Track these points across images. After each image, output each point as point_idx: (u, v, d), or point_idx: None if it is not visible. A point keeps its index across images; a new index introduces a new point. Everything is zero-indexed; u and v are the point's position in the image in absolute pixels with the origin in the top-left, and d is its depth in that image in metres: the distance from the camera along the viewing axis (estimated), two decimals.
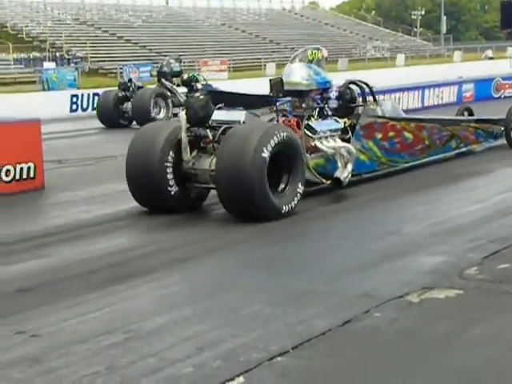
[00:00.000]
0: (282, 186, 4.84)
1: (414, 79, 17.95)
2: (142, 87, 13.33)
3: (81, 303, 3.26)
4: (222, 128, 4.93)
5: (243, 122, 5.06)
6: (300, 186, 4.84)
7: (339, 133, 5.83)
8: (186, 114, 4.89)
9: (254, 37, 40.83)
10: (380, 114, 6.32)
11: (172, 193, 4.82)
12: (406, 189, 6.10)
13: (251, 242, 4.52)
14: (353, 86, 6.36)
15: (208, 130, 4.95)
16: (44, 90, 20.72)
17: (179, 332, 2.77)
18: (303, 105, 5.86)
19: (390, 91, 13.62)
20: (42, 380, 2.31)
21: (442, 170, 6.89)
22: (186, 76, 12.87)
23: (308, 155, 5.36)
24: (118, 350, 2.56)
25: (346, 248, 4.27)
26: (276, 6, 49.05)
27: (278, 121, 5.47)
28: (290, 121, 5.55)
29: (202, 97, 5.14)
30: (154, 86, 13.50)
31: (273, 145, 4.53)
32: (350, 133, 5.95)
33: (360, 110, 6.24)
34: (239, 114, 5.16)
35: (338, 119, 5.89)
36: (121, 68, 24.05)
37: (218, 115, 5.11)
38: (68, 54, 30.03)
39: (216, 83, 15.52)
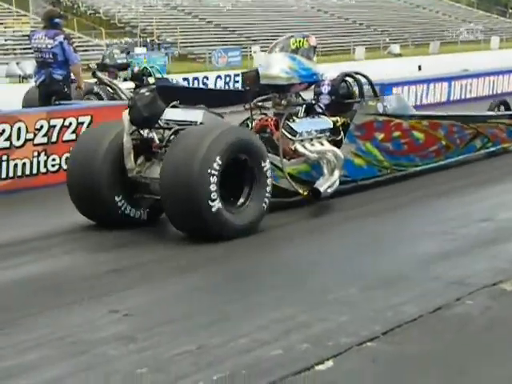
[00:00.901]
0: (241, 199, 4.10)
1: (509, 62, 16.88)
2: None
3: (167, 285, 3.37)
4: (172, 130, 4.20)
5: (201, 123, 4.30)
6: (265, 199, 4.10)
7: (328, 134, 5.02)
8: (129, 113, 4.08)
9: (343, 20, 40.24)
10: (381, 111, 5.41)
11: (119, 204, 4.16)
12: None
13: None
14: (349, 79, 5.50)
15: (154, 133, 4.24)
16: None
17: (268, 314, 2.79)
18: (283, 101, 4.99)
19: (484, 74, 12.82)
20: (137, 357, 2.39)
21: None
22: (136, 69, 10.82)
23: (286, 160, 4.63)
24: (208, 331, 2.61)
25: (435, 234, 4.12)
26: None
27: (252, 120, 4.88)
28: (266, 120, 4.87)
29: (147, 93, 4.19)
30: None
31: (228, 152, 3.84)
32: (341, 133, 5.12)
33: (357, 106, 5.36)
34: (196, 114, 4.38)
35: (326, 118, 5.09)
36: (209, 53, 24.44)
37: (172, 115, 4.39)
38: (158, 40, 31.00)
39: None
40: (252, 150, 4.06)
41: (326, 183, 4.63)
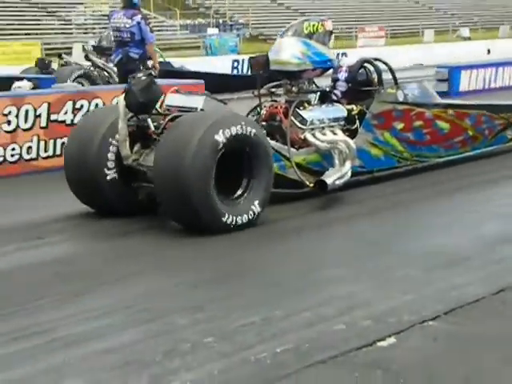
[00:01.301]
0: (238, 192, 3.90)
1: None
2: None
3: (233, 260, 3.52)
4: (169, 117, 4.02)
5: (201, 109, 4.09)
6: (263, 193, 3.91)
7: (342, 122, 4.82)
8: (124, 98, 3.90)
9: (413, 3, 39.41)
10: (402, 99, 5.18)
11: (115, 193, 4.02)
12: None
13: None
14: (369, 66, 5.26)
15: (150, 120, 4.02)
16: (207, 54, 22.21)
17: (331, 290, 2.87)
18: (294, 88, 4.81)
19: None
20: (205, 326, 2.50)
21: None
22: None
23: (295, 150, 4.47)
24: (272, 304, 2.71)
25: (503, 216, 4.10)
26: None
27: (261, 107, 4.72)
28: (276, 108, 4.68)
29: (144, 77, 4.01)
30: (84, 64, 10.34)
31: (225, 140, 3.62)
32: (357, 122, 4.91)
33: (375, 94, 5.11)
34: (197, 100, 4.18)
35: (341, 106, 4.92)
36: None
37: (173, 100, 4.27)
38: (231, 21, 31.64)
39: (372, 50, 14.33)
40: (250, 140, 3.83)
41: (335, 175, 4.40)
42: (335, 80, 5.19)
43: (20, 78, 7.68)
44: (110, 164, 4.00)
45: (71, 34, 25.92)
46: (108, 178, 3.99)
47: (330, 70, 5.18)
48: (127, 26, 7.00)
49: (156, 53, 7.62)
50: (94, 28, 26.73)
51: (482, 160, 5.77)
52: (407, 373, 2.05)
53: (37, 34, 25.17)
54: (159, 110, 4.20)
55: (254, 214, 3.83)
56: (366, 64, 5.28)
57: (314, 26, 4.84)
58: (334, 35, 5.10)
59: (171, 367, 2.14)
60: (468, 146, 5.63)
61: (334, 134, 4.66)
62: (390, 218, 4.32)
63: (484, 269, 3.09)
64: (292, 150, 4.40)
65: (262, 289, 2.98)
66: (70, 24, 27.35)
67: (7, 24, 24.50)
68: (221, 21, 31.46)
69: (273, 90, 4.99)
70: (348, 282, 2.95)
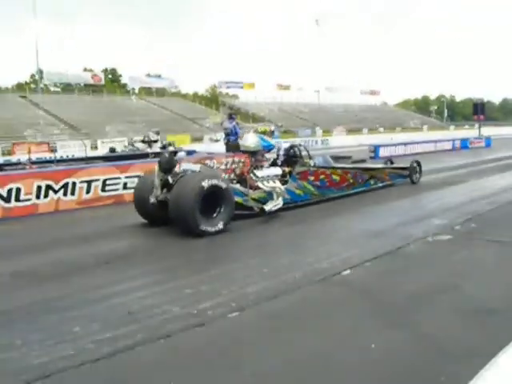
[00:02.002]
0: (214, 215, 6.55)
1: None
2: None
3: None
4: (179, 175, 6.81)
5: (199, 171, 6.90)
6: (227, 217, 6.62)
7: (279, 177, 8.17)
8: (158, 166, 6.95)
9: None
10: (313, 164, 8.92)
11: (156, 213, 6.96)
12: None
13: None
14: (296, 148, 9.19)
15: (169, 176, 6.83)
16: None
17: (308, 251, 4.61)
18: (252, 159, 8.26)
19: None
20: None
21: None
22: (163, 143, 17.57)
23: (251, 191, 7.60)
24: (273, 259, 5.18)
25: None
26: None
27: (234, 168, 8.30)
28: (243, 169, 8.17)
29: (166, 155, 7.34)
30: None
31: (207, 185, 6.35)
32: (288, 177, 8.45)
33: (298, 162, 8.83)
34: (197, 166, 7.11)
35: (280, 168, 8.37)
36: None
37: (186, 166, 7.13)
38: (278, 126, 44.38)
39: None
40: (221, 188, 6.59)
41: (271, 204, 7.57)
42: (279, 154, 8.93)
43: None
44: (152, 199, 6.90)
45: None
46: (151, 203, 6.91)
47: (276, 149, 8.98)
48: (229, 126, 14.20)
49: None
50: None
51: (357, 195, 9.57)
52: (358, 286, 4.21)
53: None
54: (177, 170, 6.99)
55: (219, 228, 6.48)
56: (293, 147, 9.14)
57: (264, 129, 9.92)
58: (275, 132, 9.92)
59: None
60: (350, 188, 9.57)
61: (274, 182, 7.92)
62: (302, 227, 7.14)
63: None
64: (250, 191, 7.60)
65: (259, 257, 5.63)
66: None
67: None
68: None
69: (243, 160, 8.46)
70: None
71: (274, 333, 3.45)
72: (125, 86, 70.18)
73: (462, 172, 13.59)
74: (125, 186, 9.43)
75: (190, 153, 12.39)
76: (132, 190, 7.91)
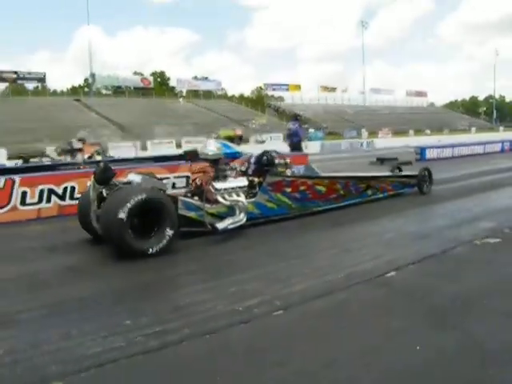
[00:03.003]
0: (153, 232, 5.67)
1: None
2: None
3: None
4: (116, 188, 5.97)
5: (139, 183, 6.09)
6: (168, 231, 5.68)
7: (245, 188, 7.10)
8: (93, 177, 6.19)
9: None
10: (289, 173, 7.83)
11: (96, 229, 6.04)
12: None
13: None
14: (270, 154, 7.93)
15: (104, 189, 6.06)
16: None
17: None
18: (214, 169, 7.15)
19: None
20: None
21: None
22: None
23: (209, 205, 6.60)
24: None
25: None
26: None
27: (194, 179, 7.40)
28: (201, 181, 7.08)
29: (101, 164, 6.31)
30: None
31: (130, 205, 5.41)
32: (257, 188, 7.38)
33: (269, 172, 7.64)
34: (138, 177, 6.27)
35: (246, 179, 7.25)
36: None
37: (129, 177, 6.34)
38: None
39: None
40: (157, 203, 5.68)
41: (228, 221, 6.47)
42: (249, 163, 7.76)
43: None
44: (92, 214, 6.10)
45: None
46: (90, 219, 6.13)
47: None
48: (293, 127, 14.66)
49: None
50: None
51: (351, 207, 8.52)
52: (402, 288, 4.23)
53: None
54: (116, 182, 6.12)
55: (159, 247, 5.59)
56: (265, 154, 7.81)
57: (227, 132, 9.17)
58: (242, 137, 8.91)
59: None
60: (340, 199, 8.42)
61: (238, 195, 6.87)
62: (344, 229, 7.04)
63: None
64: (207, 205, 6.57)
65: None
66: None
67: None
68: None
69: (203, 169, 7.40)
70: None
71: (318, 331, 3.50)
72: (173, 88, 71.53)
73: (510, 175, 13.20)
74: (173, 186, 9.63)
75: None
76: (176, 191, 7.92)
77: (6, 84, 57.27)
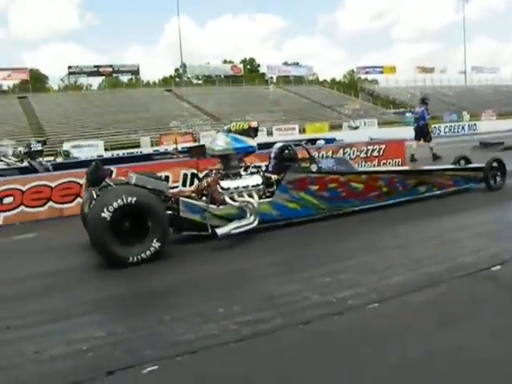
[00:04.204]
0: (142, 237, 5.13)
1: None
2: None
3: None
4: (104, 189, 5.59)
5: (131, 182, 5.47)
6: (155, 243, 5.12)
7: (261, 187, 6.41)
8: (86, 177, 5.92)
9: None
10: (315, 170, 6.84)
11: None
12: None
13: None
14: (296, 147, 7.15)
15: (93, 191, 5.72)
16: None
17: None
18: (221, 166, 6.57)
19: None
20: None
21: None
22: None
23: (215, 206, 5.97)
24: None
25: None
26: None
27: (203, 178, 6.78)
28: (209, 180, 6.46)
29: (94, 164, 6.05)
30: None
31: (114, 208, 4.93)
32: (275, 186, 6.61)
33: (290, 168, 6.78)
34: (131, 177, 5.57)
35: (257, 176, 6.49)
36: None
37: (129, 177, 5.73)
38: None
39: None
40: (148, 209, 5.13)
41: (231, 226, 5.72)
42: (269, 158, 7.19)
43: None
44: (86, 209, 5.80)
45: None
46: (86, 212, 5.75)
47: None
48: (419, 111, 14.56)
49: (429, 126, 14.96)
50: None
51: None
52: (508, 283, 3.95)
53: None
54: (109, 182, 5.82)
55: (148, 255, 5.11)
56: (288, 147, 7.08)
57: (239, 125, 6.75)
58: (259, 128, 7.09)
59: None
60: (383, 197, 7.32)
61: (250, 196, 6.20)
62: (443, 219, 6.49)
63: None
64: (213, 206, 5.98)
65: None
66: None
67: None
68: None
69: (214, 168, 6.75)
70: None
71: (415, 326, 3.32)
72: (263, 75, 71.88)
73: None
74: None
75: (329, 141, 12.20)
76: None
77: (103, 77, 60.61)
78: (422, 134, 14.18)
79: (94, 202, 5.36)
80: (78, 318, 3.77)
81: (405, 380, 2.69)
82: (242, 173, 6.51)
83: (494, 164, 8.40)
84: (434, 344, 3.01)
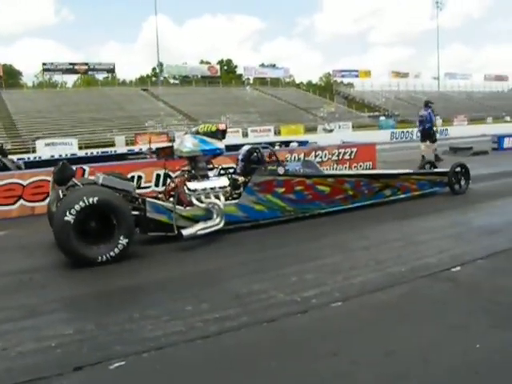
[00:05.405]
0: (104, 239, 5.17)
1: None
2: None
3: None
4: (71, 189, 5.66)
5: (101, 184, 5.52)
6: (122, 239, 5.18)
7: (228, 189, 6.51)
8: (52, 176, 5.98)
9: None
10: (281, 172, 6.91)
11: None
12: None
13: None
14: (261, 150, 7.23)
15: (60, 190, 5.78)
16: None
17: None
18: (188, 168, 6.66)
19: None
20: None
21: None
22: None
23: (182, 207, 6.07)
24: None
25: None
26: None
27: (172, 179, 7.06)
28: (177, 181, 6.54)
29: (60, 163, 5.97)
30: None
31: (76, 210, 4.97)
32: (242, 188, 6.73)
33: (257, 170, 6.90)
34: (98, 177, 5.65)
35: (224, 178, 6.66)
36: None
37: (94, 177, 5.89)
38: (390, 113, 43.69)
39: None
40: (111, 207, 5.18)
41: (196, 227, 5.79)
42: (237, 160, 7.31)
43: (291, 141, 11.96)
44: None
45: None
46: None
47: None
48: (424, 114, 14.54)
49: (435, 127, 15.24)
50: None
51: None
52: (467, 284, 4.13)
53: None
54: (76, 181, 5.87)
55: (112, 255, 5.15)
56: (255, 150, 7.17)
57: (207, 127, 6.74)
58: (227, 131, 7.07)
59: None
60: (348, 201, 7.47)
61: (217, 197, 6.31)
62: (411, 222, 6.45)
63: None
64: (180, 207, 6.07)
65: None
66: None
67: None
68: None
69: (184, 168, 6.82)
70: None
71: (376, 324, 3.46)
72: (240, 76, 71.96)
73: None
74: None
75: (301, 143, 12.35)
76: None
77: (78, 75, 59.89)
78: (428, 135, 14.46)
79: (60, 203, 5.34)
80: (47, 315, 3.83)
81: (362, 377, 2.81)
82: (210, 174, 6.59)
83: (458, 169, 8.67)
84: (393, 342, 3.15)
